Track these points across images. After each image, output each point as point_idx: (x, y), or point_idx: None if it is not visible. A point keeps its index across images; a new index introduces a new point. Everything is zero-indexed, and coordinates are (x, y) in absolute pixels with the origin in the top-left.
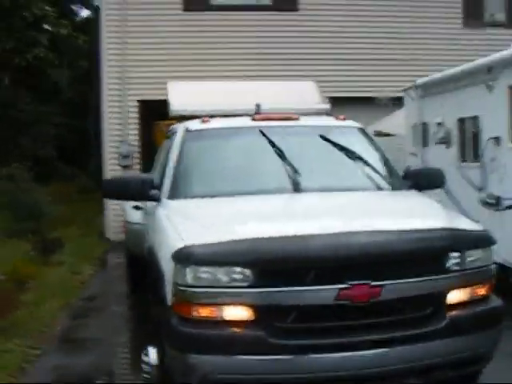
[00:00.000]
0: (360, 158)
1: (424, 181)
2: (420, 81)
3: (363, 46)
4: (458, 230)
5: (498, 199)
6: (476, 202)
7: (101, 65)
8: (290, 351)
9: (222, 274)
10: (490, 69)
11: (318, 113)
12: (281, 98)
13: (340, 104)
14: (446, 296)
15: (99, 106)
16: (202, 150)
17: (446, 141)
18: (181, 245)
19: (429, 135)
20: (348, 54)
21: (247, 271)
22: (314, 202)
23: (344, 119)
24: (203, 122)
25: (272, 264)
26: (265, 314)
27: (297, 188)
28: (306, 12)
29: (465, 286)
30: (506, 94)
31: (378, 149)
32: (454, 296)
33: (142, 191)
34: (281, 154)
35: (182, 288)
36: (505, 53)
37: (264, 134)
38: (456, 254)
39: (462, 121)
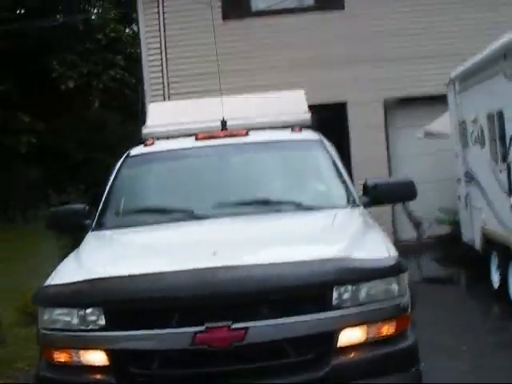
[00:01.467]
0: (305, 175)
1: (385, 195)
2: (454, 73)
3: (419, 43)
4: (350, 259)
5: None
6: (508, 209)
7: (143, 82)
8: None
9: (75, 317)
10: (506, 54)
11: (301, 124)
12: (257, 110)
13: (398, 105)
14: (334, 338)
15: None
16: (134, 177)
17: (480, 140)
18: (44, 284)
19: (467, 134)
20: (402, 52)
21: (98, 313)
22: (216, 231)
23: (300, 131)
24: (146, 145)
25: (119, 305)
26: (119, 359)
27: (219, 215)
28: (352, 10)
29: (360, 325)
30: None
31: (334, 163)
32: (346, 337)
33: (75, 222)
34: (215, 177)
35: (43, 331)
36: None
37: (202, 156)
38: (346, 288)
39: (490, 117)
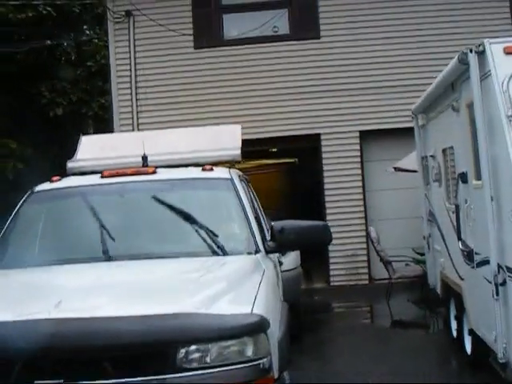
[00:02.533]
0: (203, 217)
1: (293, 240)
2: (414, 106)
3: (396, 74)
4: (201, 315)
5: (471, 253)
6: (459, 254)
7: (112, 111)
8: None
9: None
10: (453, 84)
11: (230, 161)
12: (186, 146)
13: (373, 137)
14: None
15: None
16: (33, 215)
17: (438, 178)
18: None
19: (429, 171)
20: (379, 82)
21: None
22: (82, 276)
23: (211, 169)
24: (52, 181)
25: None
26: None
27: (102, 258)
28: (327, 39)
29: None
30: (466, 115)
31: (241, 204)
32: None
33: None
34: (109, 218)
35: None
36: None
37: (102, 194)
38: (193, 348)
39: (444, 152)
